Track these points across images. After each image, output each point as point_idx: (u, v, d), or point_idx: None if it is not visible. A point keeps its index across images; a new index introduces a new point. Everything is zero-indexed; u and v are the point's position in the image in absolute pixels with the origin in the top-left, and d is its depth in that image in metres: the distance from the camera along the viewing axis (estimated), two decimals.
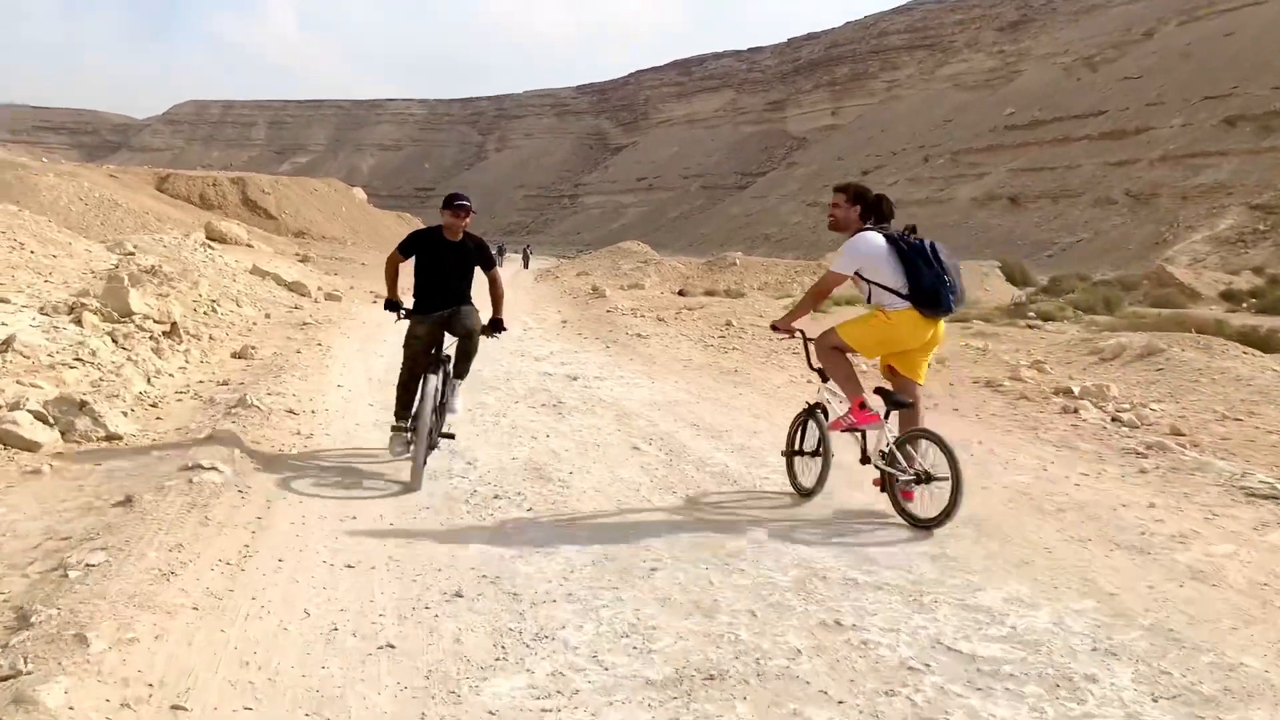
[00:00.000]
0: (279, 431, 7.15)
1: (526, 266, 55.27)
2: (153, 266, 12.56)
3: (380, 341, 12.47)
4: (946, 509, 5.26)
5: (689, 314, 18.15)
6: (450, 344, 6.87)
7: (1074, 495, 6.09)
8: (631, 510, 5.67)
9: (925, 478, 5.43)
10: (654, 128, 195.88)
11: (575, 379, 10.61)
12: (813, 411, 6.15)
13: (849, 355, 5.92)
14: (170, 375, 8.83)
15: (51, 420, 6.27)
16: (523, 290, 31.76)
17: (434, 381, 6.42)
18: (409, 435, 6.43)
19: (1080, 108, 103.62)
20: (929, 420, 6.08)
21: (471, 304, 6.90)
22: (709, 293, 23.66)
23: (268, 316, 14.81)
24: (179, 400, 8.08)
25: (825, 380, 6.06)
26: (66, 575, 3.89)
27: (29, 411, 6.15)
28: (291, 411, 7.82)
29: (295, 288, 18.61)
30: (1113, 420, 8.47)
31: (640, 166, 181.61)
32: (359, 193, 60.25)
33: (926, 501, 5.44)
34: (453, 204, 6.77)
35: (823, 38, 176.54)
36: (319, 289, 19.96)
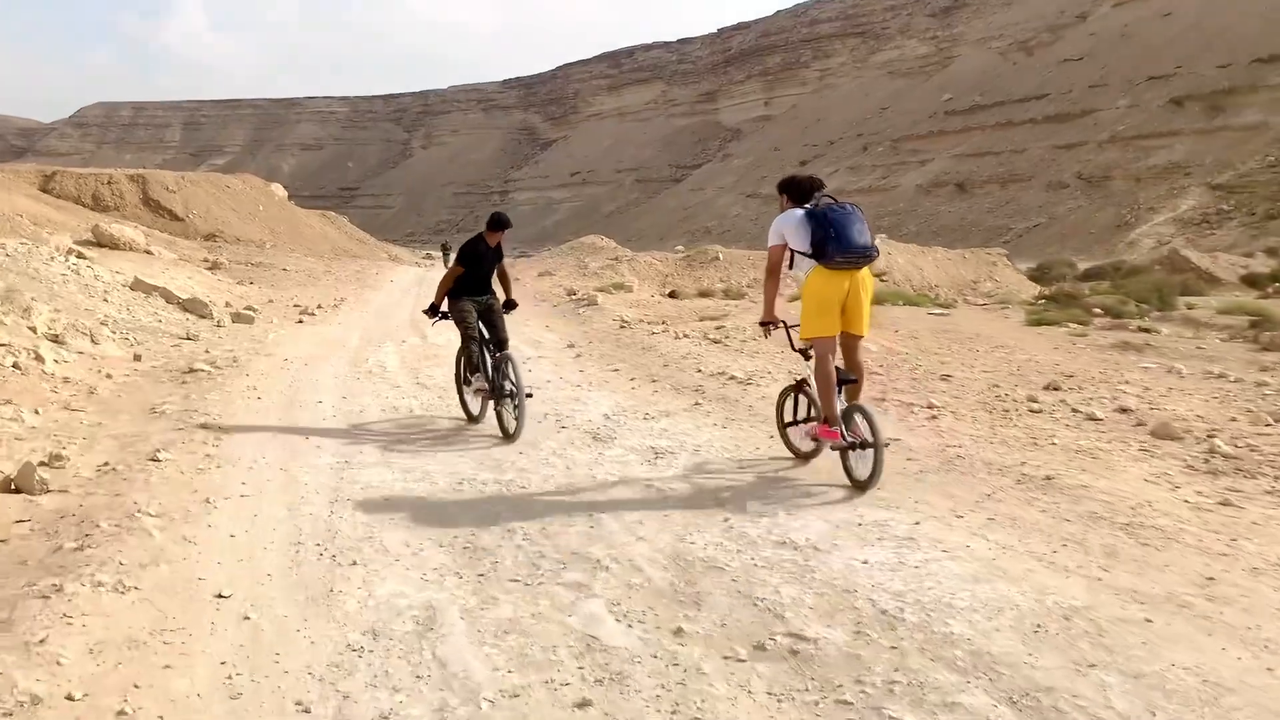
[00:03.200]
0: None
1: None
2: None
3: (330, 417, 8.74)
4: (872, 471, 6.03)
5: (716, 326, 14.54)
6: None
7: None
8: None
9: (861, 445, 6.14)
10: (584, 121, 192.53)
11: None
12: (800, 386, 6.88)
13: (831, 361, 6.39)
14: None
15: None
16: None
17: (503, 355, 8.28)
18: (491, 397, 8.23)
19: (1021, 91, 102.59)
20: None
21: (494, 294, 8.91)
22: (704, 294, 20.04)
23: (136, 360, 10.89)
24: None
25: (808, 359, 6.70)
26: None
27: None
28: None
29: (191, 307, 14.49)
30: None
31: (572, 161, 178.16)
32: (279, 189, 55.02)
33: (861, 464, 6.18)
34: (500, 223, 8.63)
35: (754, 27, 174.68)
36: (226, 306, 15.92)
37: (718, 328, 14.12)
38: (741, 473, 6.68)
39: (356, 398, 9.46)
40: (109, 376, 9.61)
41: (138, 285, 14.31)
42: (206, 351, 12.16)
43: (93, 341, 9.98)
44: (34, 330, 9.28)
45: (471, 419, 8.53)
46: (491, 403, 8.23)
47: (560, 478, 6.50)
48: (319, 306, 19.04)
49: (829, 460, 6.57)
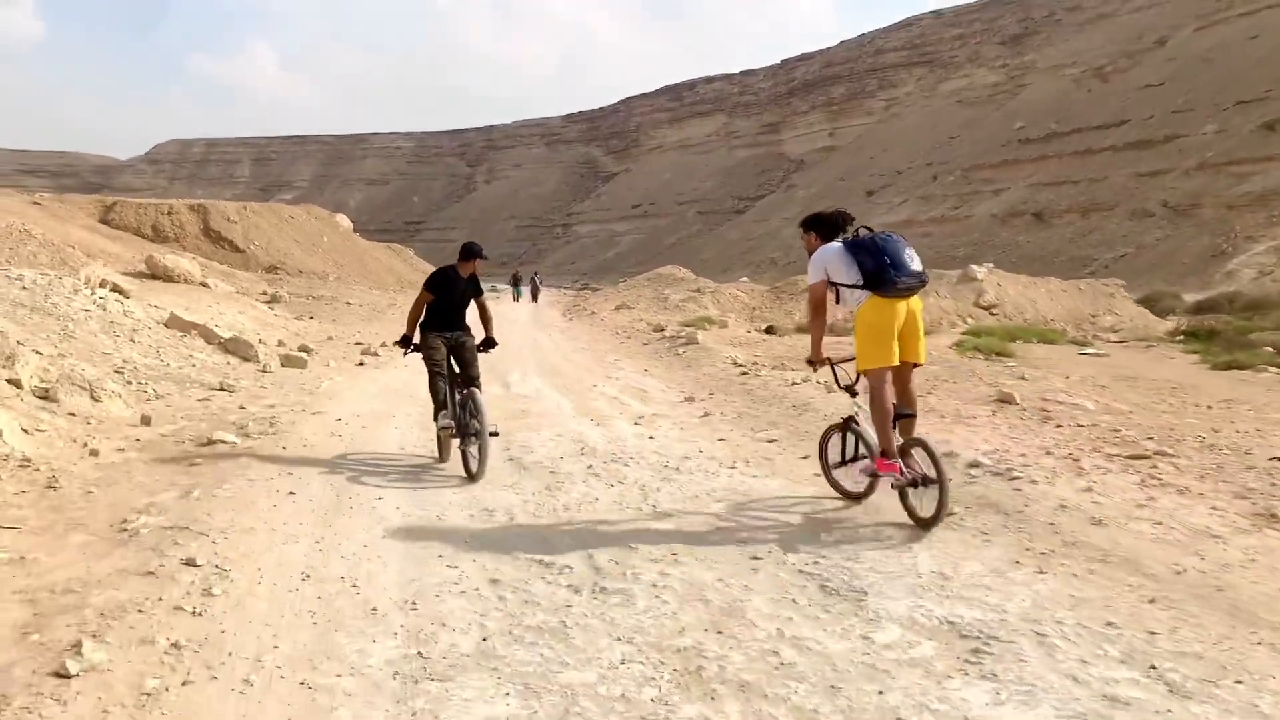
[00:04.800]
0: None
1: (535, 299, 48.64)
2: None
3: (397, 531, 6.28)
4: (937, 509, 5.90)
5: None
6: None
7: None
8: None
9: (923, 481, 6.01)
10: (646, 154, 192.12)
11: None
12: (847, 425, 6.80)
13: (890, 402, 6.29)
14: None
15: None
16: (557, 331, 25.85)
17: (468, 393, 8.13)
18: (455, 435, 8.11)
19: (1099, 118, 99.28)
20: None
21: (469, 330, 8.60)
22: (802, 329, 18.07)
23: (143, 423, 8.73)
24: None
25: (854, 396, 6.80)
26: None
27: None
28: None
29: (234, 348, 12.84)
30: None
31: (634, 194, 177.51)
32: (344, 220, 54.02)
33: (923, 502, 6.04)
34: (474, 253, 8.51)
35: (817, 58, 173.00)
36: (278, 346, 14.30)
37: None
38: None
39: (433, 493, 7.13)
40: (93, 454, 7.54)
41: (174, 323, 12.76)
42: (240, 409, 10.24)
43: (92, 398, 8.31)
44: (14, 384, 7.61)
45: (440, 458, 8.43)
46: (456, 441, 8.12)
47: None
48: (383, 344, 17.45)
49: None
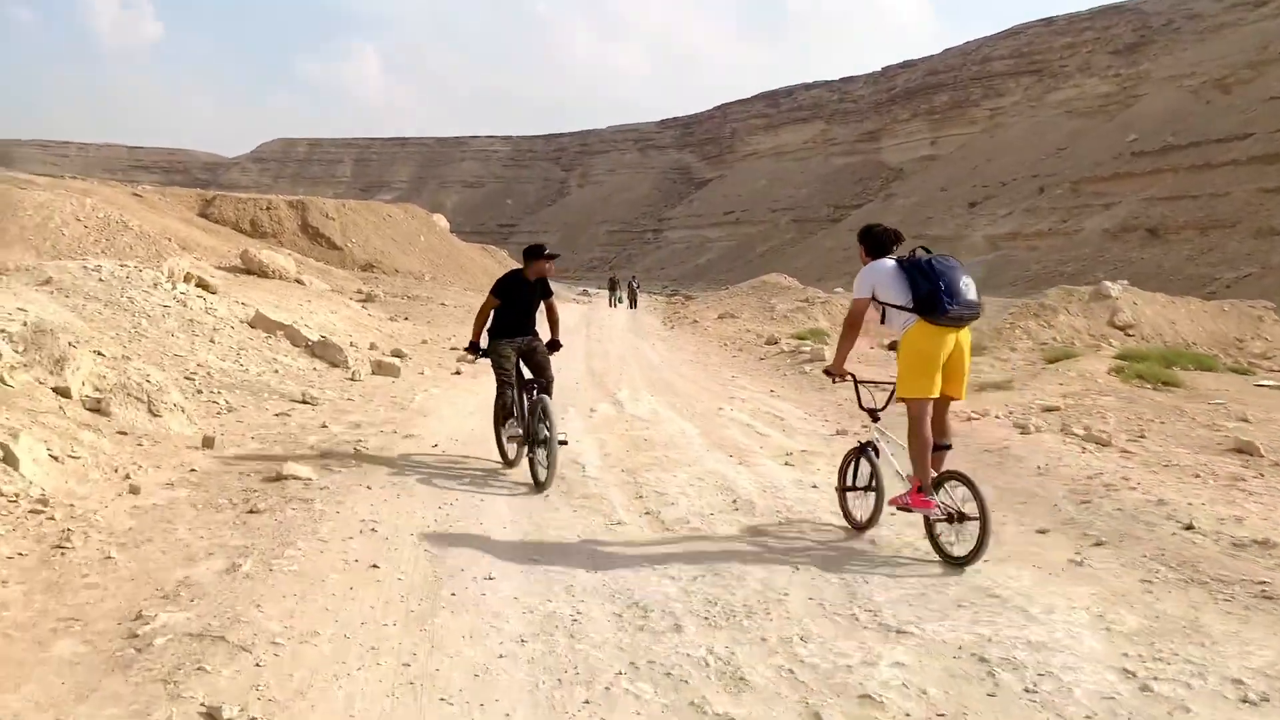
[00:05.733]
0: None
1: (634, 305, 47.14)
2: None
3: (516, 619, 4.94)
4: (976, 547, 5.59)
5: (1039, 404, 11.17)
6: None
7: None
8: None
9: (958, 517, 5.76)
10: (740, 161, 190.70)
11: None
12: (864, 449, 6.61)
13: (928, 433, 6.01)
14: None
15: None
16: (659, 340, 24.64)
17: (537, 399, 7.89)
18: (524, 443, 7.97)
19: (1220, 131, 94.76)
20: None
21: (538, 334, 8.47)
22: None
23: (205, 446, 7.66)
24: None
25: (875, 420, 6.62)
26: None
27: None
28: None
29: (322, 352, 12.13)
30: None
31: (726, 200, 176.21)
32: (441, 220, 53.87)
33: (957, 540, 5.76)
34: (541, 253, 8.34)
35: (920, 65, 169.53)
36: (370, 349, 13.58)
37: (1061, 404, 10.36)
38: None
39: (561, 572, 5.56)
40: (133, 491, 6.29)
41: (259, 322, 12.10)
42: (322, 427, 9.15)
43: (150, 412, 7.45)
44: (61, 392, 6.83)
45: (506, 463, 8.38)
46: (525, 449, 8.00)
47: None
48: (451, 349, 16.59)
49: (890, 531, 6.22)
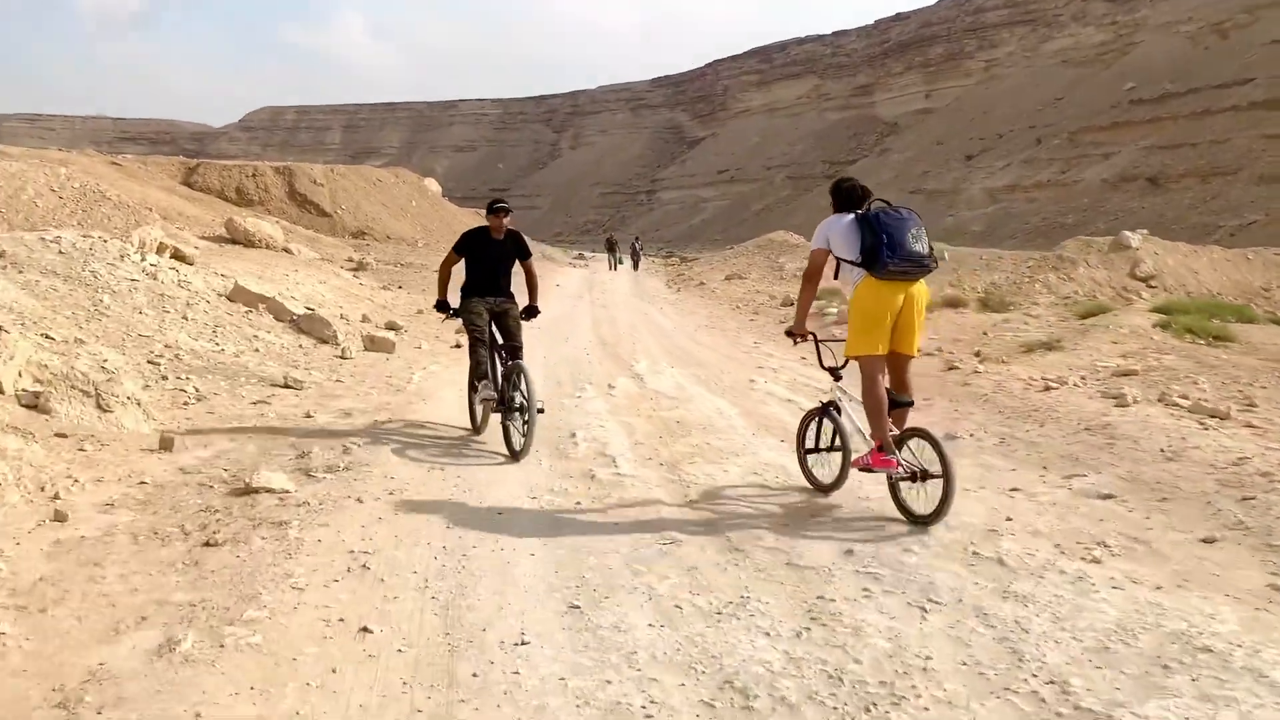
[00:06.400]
0: None
1: (636, 267, 45.54)
2: None
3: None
4: (939, 505, 5.50)
5: (1080, 365, 10.00)
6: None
7: None
8: None
9: (921, 475, 5.64)
10: (733, 119, 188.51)
11: None
12: (826, 409, 6.41)
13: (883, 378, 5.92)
14: None
15: None
16: (667, 304, 23.41)
17: (513, 365, 7.59)
18: (498, 409, 7.58)
19: (1220, 77, 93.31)
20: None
21: (512, 297, 8.08)
22: (950, 303, 15.70)
23: (161, 449, 6.44)
24: None
25: (838, 379, 6.40)
26: None
27: None
28: None
29: (309, 327, 10.92)
30: None
31: (720, 159, 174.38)
32: (432, 184, 52.30)
33: (922, 498, 5.65)
34: (493, 208, 7.97)
35: (913, 18, 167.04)
36: (362, 321, 12.42)
37: (1136, 367, 9.25)
38: None
39: (609, 609, 4.40)
40: (58, 519, 5.01)
41: (238, 295, 10.90)
42: (307, 416, 7.94)
43: (100, 406, 6.25)
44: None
45: (474, 430, 8.05)
46: (499, 416, 7.62)
47: None
48: (419, 311, 15.29)
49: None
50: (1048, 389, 9.45)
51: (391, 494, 6.17)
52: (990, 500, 6.23)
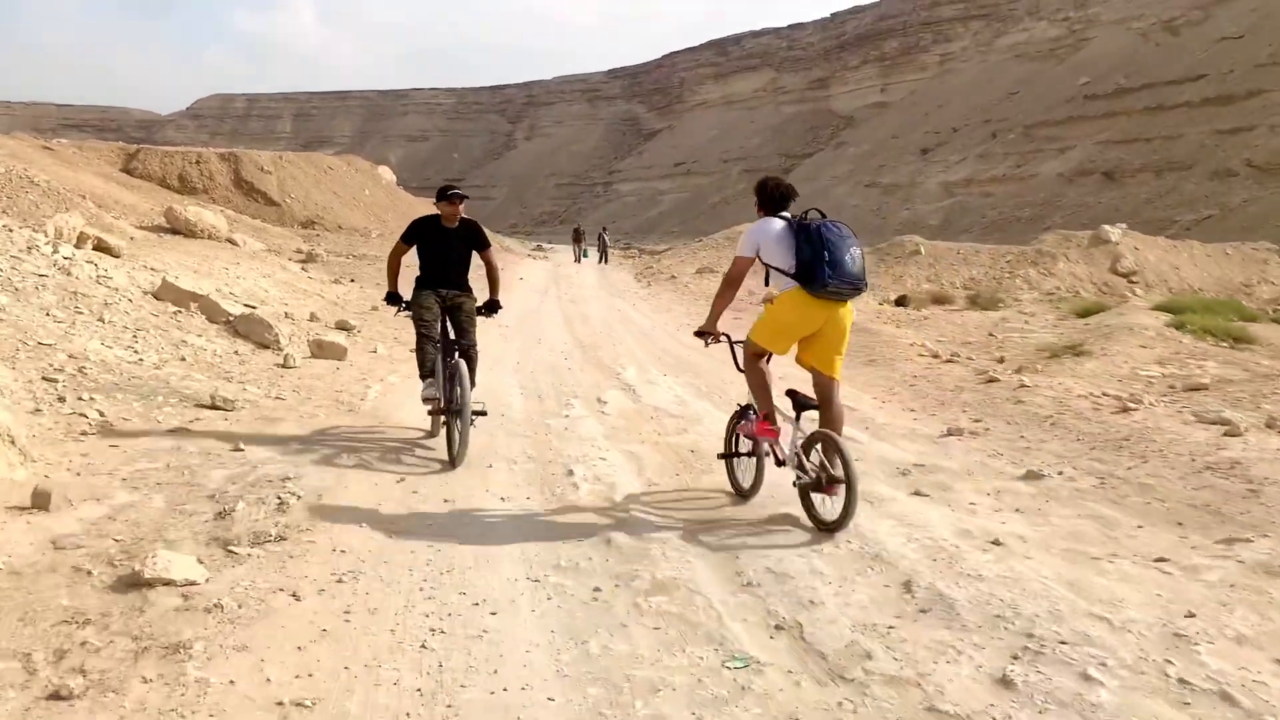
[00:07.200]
0: None
1: (604, 260, 44.27)
2: None
3: None
4: (843, 512, 5.34)
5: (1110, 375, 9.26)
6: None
7: None
8: None
9: (825, 481, 5.43)
10: (689, 111, 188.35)
11: None
12: (745, 412, 6.22)
13: (766, 364, 5.93)
14: None
15: None
16: (640, 300, 22.30)
17: (455, 363, 7.07)
18: (440, 411, 7.21)
19: (1172, 73, 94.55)
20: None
21: (469, 290, 7.60)
22: (938, 299, 15.26)
23: (33, 510, 4.83)
24: None
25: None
26: None
27: None
28: None
29: (246, 330, 9.89)
30: None
31: (677, 151, 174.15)
32: (386, 172, 51.09)
33: (830, 504, 5.47)
34: (445, 194, 7.48)
35: (869, 11, 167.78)
36: (309, 321, 11.48)
37: (1206, 379, 8.45)
38: None
39: None
40: None
41: (166, 293, 9.85)
42: (236, 451, 6.44)
43: None
44: None
45: (430, 433, 7.67)
46: (443, 418, 7.27)
47: None
48: (373, 308, 14.09)
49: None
50: (1125, 410, 8.34)
51: (341, 581, 4.51)
52: (1141, 579, 4.68)
